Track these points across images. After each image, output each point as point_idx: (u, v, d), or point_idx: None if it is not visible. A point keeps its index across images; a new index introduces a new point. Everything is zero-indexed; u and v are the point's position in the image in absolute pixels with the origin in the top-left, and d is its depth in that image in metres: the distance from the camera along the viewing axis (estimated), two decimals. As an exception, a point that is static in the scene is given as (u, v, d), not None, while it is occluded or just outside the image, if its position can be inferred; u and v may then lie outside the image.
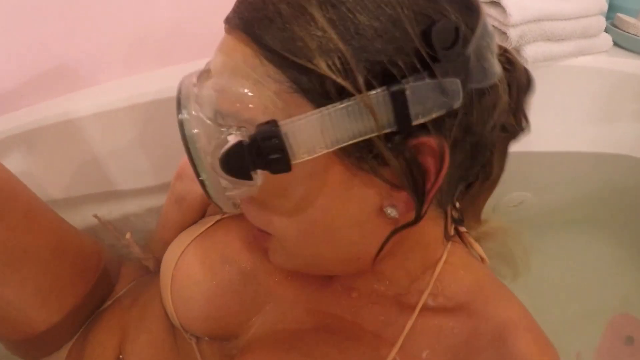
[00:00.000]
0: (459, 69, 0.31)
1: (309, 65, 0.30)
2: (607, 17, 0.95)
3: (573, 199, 0.94)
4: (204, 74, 0.36)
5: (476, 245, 0.49)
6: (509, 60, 0.39)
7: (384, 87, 0.30)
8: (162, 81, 0.76)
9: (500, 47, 0.39)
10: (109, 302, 0.63)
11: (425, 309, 0.43)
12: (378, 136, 0.31)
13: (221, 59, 0.34)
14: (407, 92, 0.29)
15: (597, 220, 0.93)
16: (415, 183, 0.33)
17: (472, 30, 0.32)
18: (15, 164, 0.71)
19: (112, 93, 0.75)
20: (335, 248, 0.40)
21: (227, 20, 0.34)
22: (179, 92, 0.34)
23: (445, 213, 0.43)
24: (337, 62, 0.29)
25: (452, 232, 0.46)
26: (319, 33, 0.30)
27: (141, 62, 0.79)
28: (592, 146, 0.95)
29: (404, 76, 0.30)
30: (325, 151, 0.31)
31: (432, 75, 0.30)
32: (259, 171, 0.32)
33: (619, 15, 0.96)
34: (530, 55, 0.78)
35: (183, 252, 0.50)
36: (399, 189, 0.34)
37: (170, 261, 0.51)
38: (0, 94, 0.73)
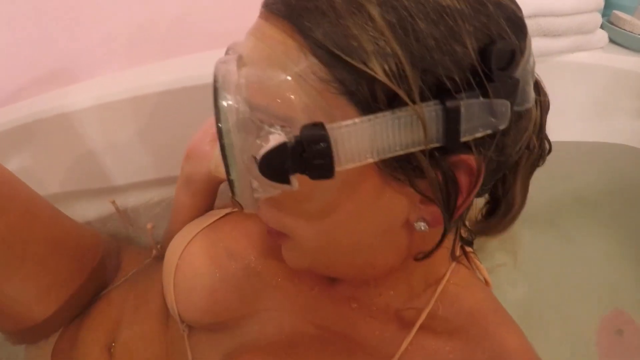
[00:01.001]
0: (510, 91, 0.30)
1: (363, 67, 0.28)
2: (604, 14, 0.96)
3: (566, 191, 0.95)
4: (240, 60, 0.32)
5: (482, 268, 0.48)
6: (536, 83, 0.38)
7: (438, 101, 0.28)
8: (162, 74, 0.77)
9: None
10: (105, 291, 0.63)
11: (423, 328, 0.42)
12: (422, 151, 0.29)
13: (257, 46, 0.31)
14: (462, 110, 0.28)
15: (589, 212, 0.94)
16: (448, 198, 0.32)
17: (522, 52, 0.31)
18: (14, 157, 0.71)
19: (112, 86, 0.75)
20: (352, 253, 0.38)
21: (267, 5, 0.31)
22: (216, 79, 0.30)
23: (456, 231, 0.41)
24: (394, 67, 0.28)
25: (458, 251, 0.45)
26: (377, 34, 0.28)
27: (142, 55, 0.79)
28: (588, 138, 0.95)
29: (458, 91, 0.28)
30: (370, 161, 0.29)
31: (485, 94, 0.29)
32: (298, 175, 0.30)
33: (615, 12, 0.97)
34: (527, 50, 0.79)
35: (189, 242, 0.50)
36: (429, 202, 0.33)
37: (176, 250, 0.50)
38: None
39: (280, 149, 0.28)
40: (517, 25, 0.31)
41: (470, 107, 0.28)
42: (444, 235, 0.34)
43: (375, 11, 0.28)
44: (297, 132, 0.28)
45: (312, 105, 0.29)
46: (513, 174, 0.40)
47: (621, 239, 0.91)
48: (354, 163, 0.29)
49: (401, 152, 0.29)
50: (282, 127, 0.29)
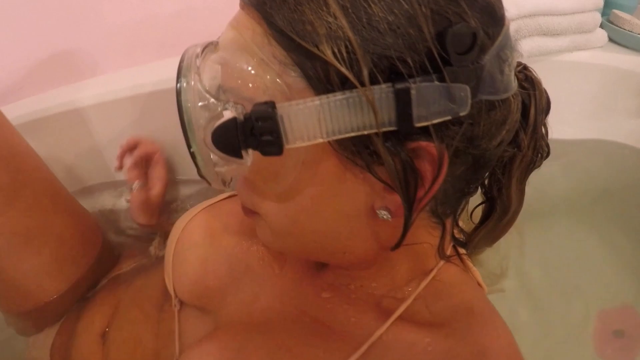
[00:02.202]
0: (471, 77, 0.29)
1: (315, 50, 0.28)
2: (603, 14, 0.96)
3: (564, 189, 0.96)
4: (211, 46, 0.35)
5: (475, 271, 0.47)
6: (527, 78, 0.38)
7: (389, 84, 0.28)
8: (164, 72, 0.77)
9: (520, 64, 0.38)
10: (105, 281, 0.65)
11: (404, 320, 0.41)
12: (377, 133, 0.29)
13: (231, 34, 0.33)
14: (413, 92, 0.28)
15: (587, 210, 0.94)
16: (407, 187, 0.32)
17: (492, 39, 0.31)
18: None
19: (114, 83, 0.76)
20: (320, 239, 0.39)
21: None
22: (181, 61, 0.33)
23: (443, 226, 0.40)
24: (344, 50, 0.28)
25: (449, 250, 0.45)
26: (330, 19, 0.28)
27: (144, 53, 0.80)
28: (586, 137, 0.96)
29: (411, 75, 0.28)
30: (320, 140, 0.30)
31: (442, 78, 0.28)
32: (250, 151, 0.31)
33: (615, 11, 0.97)
34: (526, 49, 0.79)
35: (192, 217, 0.52)
36: (392, 191, 0.33)
37: (180, 225, 0.53)
38: (2, 85, 0.73)
39: (230, 123, 0.30)
40: (487, 11, 0.31)
41: (423, 90, 0.28)
42: (406, 227, 0.34)
43: None
44: (249, 109, 0.30)
45: (272, 87, 0.30)
46: (507, 175, 0.39)
47: (619, 238, 0.91)
48: (304, 142, 0.30)
49: (352, 134, 0.29)
50: (236, 104, 0.31)
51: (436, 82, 0.28)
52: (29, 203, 0.56)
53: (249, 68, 0.31)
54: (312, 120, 0.29)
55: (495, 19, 0.31)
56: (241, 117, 0.30)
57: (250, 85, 0.31)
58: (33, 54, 0.73)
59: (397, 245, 0.36)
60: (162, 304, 0.56)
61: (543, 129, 0.39)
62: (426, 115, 0.29)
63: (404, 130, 0.30)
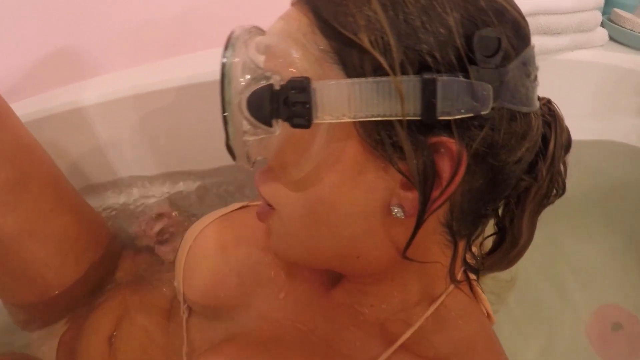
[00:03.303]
0: (494, 78, 0.31)
1: (354, 37, 0.31)
2: (604, 12, 0.96)
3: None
4: (258, 30, 0.38)
5: (484, 299, 0.47)
6: (551, 111, 0.40)
7: (417, 75, 0.30)
8: (167, 72, 0.77)
9: (544, 98, 0.40)
10: (111, 286, 0.65)
11: (406, 348, 0.41)
12: (401, 123, 0.31)
13: (279, 24, 0.36)
14: (438, 84, 0.30)
15: (589, 209, 0.95)
16: (425, 183, 0.33)
17: (516, 51, 0.33)
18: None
19: (117, 83, 0.76)
20: (335, 237, 0.39)
21: None
22: (232, 32, 0.35)
23: (455, 247, 0.40)
24: (380, 40, 0.31)
25: (459, 275, 0.44)
26: (370, 13, 0.31)
27: (147, 53, 0.80)
28: (587, 137, 0.96)
29: (438, 70, 0.31)
30: (347, 120, 0.32)
31: (467, 77, 0.31)
32: (280, 123, 0.33)
33: (616, 10, 0.97)
34: (527, 48, 0.79)
35: (205, 227, 0.53)
36: (409, 188, 0.34)
37: (192, 233, 0.53)
38: (5, 84, 0.73)
39: (266, 89, 0.32)
40: (512, 27, 0.33)
41: (449, 84, 0.30)
42: (418, 224, 0.34)
43: None
44: (285, 81, 0.32)
45: (309, 70, 0.33)
46: (521, 206, 0.40)
47: (619, 237, 0.91)
48: (332, 118, 0.32)
49: (378, 118, 0.31)
50: (274, 74, 0.33)
51: (461, 78, 0.30)
52: (35, 196, 0.57)
53: (291, 51, 0.33)
54: (342, 98, 0.31)
55: (520, 35, 0.34)
56: (277, 86, 0.32)
57: (290, 66, 0.33)
58: (36, 53, 0.73)
59: (407, 246, 0.36)
60: (170, 310, 0.57)
61: (562, 167, 0.41)
62: (449, 111, 0.31)
63: (427, 122, 0.31)
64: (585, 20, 0.86)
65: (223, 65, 0.34)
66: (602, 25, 0.92)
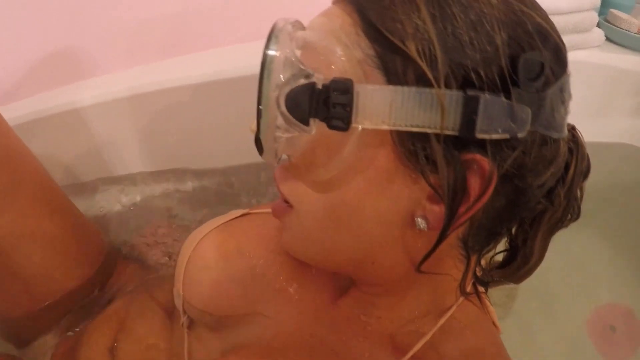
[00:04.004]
0: (534, 102, 0.31)
1: (401, 44, 0.31)
2: (600, 13, 0.96)
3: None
4: (300, 24, 0.37)
5: (492, 311, 0.48)
6: (574, 138, 0.39)
7: (461, 90, 0.30)
8: (164, 72, 0.77)
9: (569, 124, 0.40)
10: (107, 295, 0.64)
11: (415, 359, 0.41)
12: (437, 136, 0.31)
13: (321, 19, 0.35)
14: (481, 102, 0.30)
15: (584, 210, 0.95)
16: (453, 198, 0.32)
17: (556, 77, 0.33)
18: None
19: (115, 84, 0.76)
20: (353, 241, 0.38)
21: None
22: (275, 24, 0.34)
23: (468, 261, 0.40)
24: (427, 51, 0.30)
25: (469, 287, 0.44)
26: (419, 22, 0.31)
27: (144, 53, 0.80)
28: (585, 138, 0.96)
29: (481, 87, 0.30)
30: (386, 127, 0.31)
31: (508, 97, 0.30)
32: (317, 122, 0.32)
33: (612, 10, 0.98)
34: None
35: (205, 236, 0.51)
36: (434, 201, 0.34)
37: (191, 243, 0.52)
38: (3, 84, 0.73)
39: (307, 88, 0.31)
40: (554, 53, 0.33)
41: (490, 103, 0.30)
42: (440, 239, 0.34)
43: (422, 4, 0.31)
44: (328, 82, 0.31)
45: (350, 71, 0.32)
46: (535, 227, 0.40)
47: (618, 237, 0.92)
48: (370, 124, 0.31)
49: (416, 129, 0.31)
50: (318, 73, 0.32)
51: (503, 99, 0.30)
52: (23, 205, 0.55)
53: (334, 50, 0.33)
54: (384, 105, 0.31)
55: (560, 61, 0.34)
56: (319, 85, 0.31)
57: (331, 66, 0.32)
58: (34, 53, 0.73)
59: (425, 259, 0.36)
60: (170, 321, 0.55)
61: (579, 192, 0.41)
62: (487, 129, 0.30)
63: (464, 138, 0.31)
64: (581, 20, 0.86)
65: (265, 57, 0.33)
66: (598, 25, 0.93)
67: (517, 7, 0.33)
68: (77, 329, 0.60)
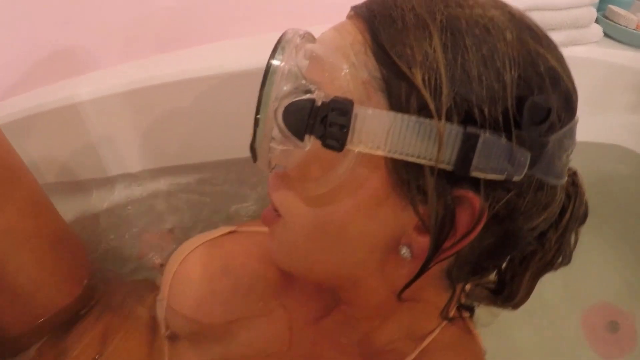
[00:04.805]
0: (535, 146, 0.30)
1: (407, 71, 0.30)
2: (599, 9, 0.96)
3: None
4: (310, 36, 0.37)
5: (477, 335, 0.47)
6: (574, 184, 0.39)
7: (462, 125, 0.30)
8: (161, 67, 0.77)
9: (572, 168, 0.39)
10: (88, 309, 0.59)
11: None
12: (432, 169, 0.30)
13: (332, 33, 0.35)
14: (480, 140, 0.29)
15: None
16: (439, 232, 0.32)
17: (562, 124, 0.33)
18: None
19: (112, 79, 0.75)
20: (337, 258, 0.38)
21: (355, 8, 0.35)
22: (284, 33, 0.35)
23: (453, 291, 0.41)
24: (433, 80, 0.30)
25: (452, 312, 0.44)
26: (429, 50, 0.30)
27: (141, 48, 0.79)
28: (580, 136, 0.96)
29: (482, 125, 0.30)
30: (381, 153, 0.31)
31: (509, 138, 0.30)
32: (312, 139, 0.32)
33: (611, 6, 0.98)
34: (522, 45, 0.79)
35: (191, 252, 0.51)
36: (422, 232, 0.34)
37: (178, 257, 0.52)
38: (-2, 80, 0.73)
39: (306, 103, 0.31)
40: (564, 97, 0.33)
41: (489, 142, 0.29)
42: (421, 270, 0.34)
43: (436, 32, 0.31)
44: (328, 100, 0.31)
45: (353, 91, 0.32)
46: (524, 266, 0.40)
47: (614, 234, 0.92)
48: (365, 148, 0.31)
49: (411, 159, 0.30)
50: (319, 90, 0.32)
51: (503, 140, 0.30)
52: (10, 221, 0.50)
53: (340, 68, 0.32)
54: (381, 130, 0.30)
55: (569, 107, 0.33)
56: (319, 102, 0.31)
57: (335, 82, 0.32)
58: (28, 48, 0.73)
59: (406, 287, 0.36)
60: (152, 335, 0.54)
61: (573, 237, 0.40)
62: (483, 168, 0.30)
63: (458, 174, 0.30)
64: (580, 16, 0.86)
65: (268, 66, 0.33)
66: (596, 21, 0.93)
67: (533, 46, 0.32)
68: (58, 345, 0.55)
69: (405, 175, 0.32)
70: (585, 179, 0.41)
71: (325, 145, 0.31)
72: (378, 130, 0.30)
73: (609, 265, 0.89)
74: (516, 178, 0.31)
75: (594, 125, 0.97)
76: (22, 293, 0.53)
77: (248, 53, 0.75)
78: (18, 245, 0.51)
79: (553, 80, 0.32)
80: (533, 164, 0.31)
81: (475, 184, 0.31)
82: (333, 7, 0.88)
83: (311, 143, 0.32)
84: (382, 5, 0.33)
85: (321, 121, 0.31)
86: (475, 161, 0.30)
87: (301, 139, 0.32)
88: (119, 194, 0.82)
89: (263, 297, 0.49)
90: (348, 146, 0.31)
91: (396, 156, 0.31)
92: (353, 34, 0.33)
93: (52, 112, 0.72)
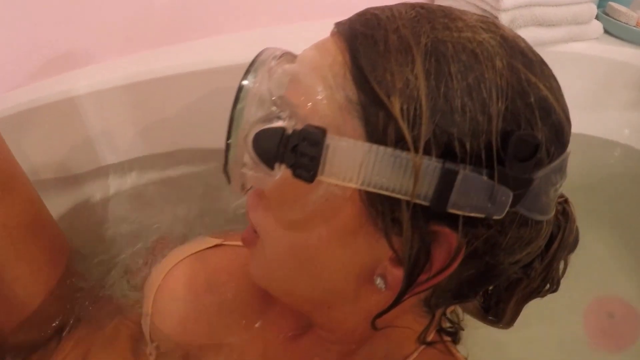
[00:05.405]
0: (518, 185, 0.29)
1: (385, 100, 0.28)
2: (599, 5, 0.96)
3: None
4: (289, 56, 0.35)
5: (460, 357, 0.46)
6: (564, 212, 0.37)
7: (440, 160, 0.28)
8: (160, 61, 0.77)
9: (562, 196, 0.38)
10: (71, 322, 0.59)
11: None
12: (407, 203, 0.29)
13: (312, 52, 0.33)
14: (459, 177, 0.28)
15: (580, 204, 0.95)
16: (414, 267, 0.31)
17: (550, 159, 0.30)
18: (11, 144, 0.71)
19: (109, 72, 0.75)
20: (311, 282, 0.38)
21: (338, 25, 0.34)
22: (258, 55, 0.33)
23: (433, 317, 0.40)
24: (412, 111, 0.28)
25: (431, 336, 0.43)
26: (410, 77, 0.28)
27: (138, 42, 0.79)
28: (580, 130, 0.96)
29: (463, 159, 0.28)
30: (353, 185, 0.29)
31: (490, 175, 0.28)
32: (283, 167, 0.30)
33: (611, 3, 0.97)
34: (521, 40, 0.79)
35: (175, 265, 0.51)
36: (397, 264, 0.32)
37: (162, 270, 0.51)
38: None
39: (276, 131, 0.30)
40: (555, 130, 0.31)
41: (469, 179, 0.28)
42: (395, 303, 0.33)
43: (419, 57, 0.29)
44: (300, 127, 0.29)
45: (329, 117, 0.30)
46: (509, 292, 0.39)
47: (612, 229, 0.92)
48: (337, 180, 0.29)
49: (385, 193, 0.29)
50: (291, 117, 0.31)
51: (484, 177, 0.28)
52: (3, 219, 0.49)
53: (316, 90, 0.31)
54: (354, 162, 0.29)
55: (560, 140, 0.31)
56: (290, 130, 0.30)
57: (310, 105, 0.31)
58: (27, 42, 0.72)
59: (379, 316, 0.35)
60: (136, 350, 0.53)
61: (562, 264, 0.39)
62: (461, 205, 0.28)
63: (434, 210, 0.29)
64: (580, 12, 0.86)
65: (239, 89, 0.32)
66: (597, 18, 0.92)
67: (524, 75, 0.30)
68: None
69: (379, 207, 0.31)
70: (585, 175, 0.40)
71: (296, 175, 0.30)
72: (350, 163, 0.29)
73: (609, 260, 0.90)
74: (497, 217, 0.29)
75: (593, 121, 0.97)
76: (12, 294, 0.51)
77: (246, 47, 0.75)
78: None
79: (544, 112, 0.30)
80: (516, 201, 0.29)
81: (453, 219, 0.29)
82: (331, 1, 0.88)
83: (282, 171, 0.31)
84: (366, 25, 0.31)
85: (292, 150, 0.29)
86: (453, 198, 0.28)
87: (271, 167, 0.31)
88: (116, 186, 0.82)
89: (245, 315, 0.49)
90: (319, 177, 0.29)
91: (369, 189, 0.29)
92: (333, 54, 0.31)
93: (50, 105, 0.72)
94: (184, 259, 0.51)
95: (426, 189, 0.28)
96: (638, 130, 0.98)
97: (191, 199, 0.84)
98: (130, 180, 0.83)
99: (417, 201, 0.29)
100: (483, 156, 0.28)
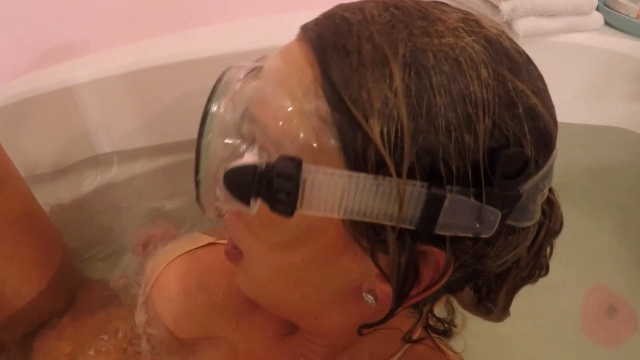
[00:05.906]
0: (506, 204, 0.28)
1: (363, 122, 0.26)
2: (600, -3, 0.96)
3: (556, 171, 0.97)
4: (255, 72, 0.32)
5: (450, 354, 0.46)
6: (549, 200, 0.36)
7: (426, 184, 0.26)
8: (158, 49, 0.77)
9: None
10: (60, 317, 0.57)
11: None
12: (393, 227, 0.28)
13: (277, 64, 0.30)
14: (446, 202, 0.26)
15: (579, 192, 0.96)
16: (403, 284, 0.30)
17: (538, 168, 0.29)
18: (10, 134, 0.71)
19: (107, 61, 0.75)
20: (299, 299, 0.37)
21: (304, 28, 0.31)
22: (219, 80, 0.31)
23: (421, 314, 0.39)
24: (392, 133, 0.26)
25: (418, 334, 0.43)
26: (389, 94, 0.26)
27: (137, 31, 0.79)
28: (579, 120, 0.96)
29: (449, 181, 0.26)
30: (335, 216, 0.28)
31: (478, 195, 0.27)
32: (259, 200, 0.29)
33: (612, -5, 0.97)
34: (522, 29, 0.79)
35: (169, 263, 0.51)
36: (385, 281, 0.31)
37: (156, 268, 0.51)
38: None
39: (248, 169, 0.28)
40: (544, 138, 0.29)
41: (456, 202, 0.27)
42: (387, 316, 0.32)
43: (397, 71, 0.26)
44: (273, 160, 0.27)
45: (303, 141, 0.28)
46: (499, 282, 0.38)
47: (610, 218, 0.92)
48: (318, 212, 0.28)
49: (370, 220, 0.28)
50: (261, 149, 0.29)
51: (471, 199, 0.27)
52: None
53: (286, 111, 0.28)
54: (335, 194, 0.27)
55: (548, 146, 0.30)
56: (262, 166, 0.28)
57: (281, 128, 0.28)
58: (25, 31, 0.72)
59: (367, 327, 0.35)
60: (128, 346, 0.53)
61: (548, 248, 0.38)
62: (448, 226, 0.27)
63: (422, 234, 0.28)
64: (581, 3, 0.86)
65: (204, 118, 0.29)
66: (597, 9, 0.92)
67: (511, 83, 0.28)
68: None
69: (364, 230, 0.29)
70: (585, 162, 0.39)
71: (273, 210, 0.28)
72: (330, 194, 0.27)
73: (612, 249, 0.90)
74: (485, 235, 0.28)
75: (593, 112, 0.97)
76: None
77: (246, 35, 0.74)
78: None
79: (532, 123, 0.28)
80: (505, 216, 0.28)
81: (440, 239, 0.29)
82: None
83: (258, 204, 0.29)
84: (335, 32, 0.28)
85: (267, 185, 0.27)
86: (440, 221, 0.27)
87: (247, 204, 0.29)
88: (113, 176, 0.82)
89: (236, 315, 0.49)
90: (298, 211, 0.28)
91: (352, 218, 0.28)
92: (301, 66, 0.29)
93: (48, 95, 0.72)
94: (177, 257, 0.51)
95: (412, 212, 0.27)
96: (638, 122, 0.98)
97: (189, 189, 0.84)
98: (128, 170, 0.83)
99: (403, 226, 0.28)
100: (470, 176, 0.27)
